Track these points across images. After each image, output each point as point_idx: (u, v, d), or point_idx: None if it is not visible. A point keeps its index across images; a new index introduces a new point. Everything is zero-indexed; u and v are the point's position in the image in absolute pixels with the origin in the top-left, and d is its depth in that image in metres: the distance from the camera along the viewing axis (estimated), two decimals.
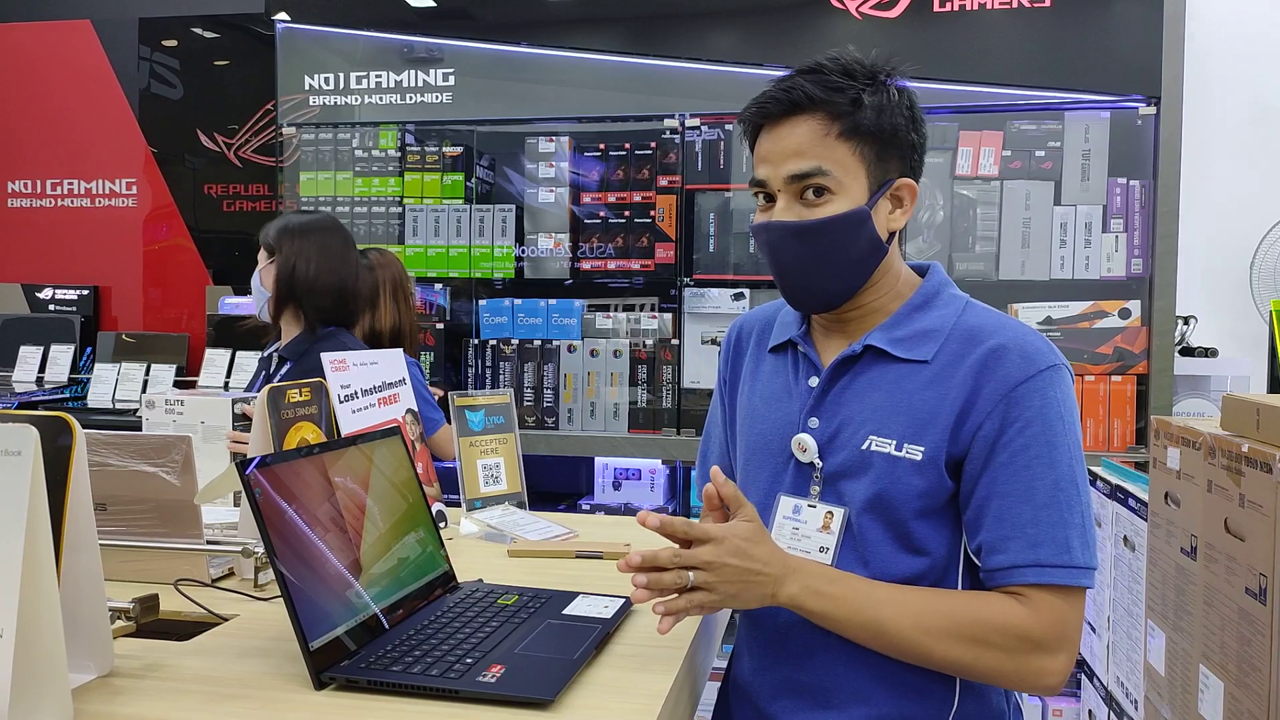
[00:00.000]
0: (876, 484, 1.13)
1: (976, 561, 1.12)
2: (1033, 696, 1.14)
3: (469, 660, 0.99)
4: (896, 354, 1.16)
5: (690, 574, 1.01)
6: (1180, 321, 2.76)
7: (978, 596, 1.10)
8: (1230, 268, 2.99)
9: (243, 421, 1.80)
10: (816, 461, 1.17)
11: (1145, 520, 1.87)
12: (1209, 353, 2.78)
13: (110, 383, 3.52)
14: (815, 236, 1.14)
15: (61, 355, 3.70)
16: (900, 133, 1.16)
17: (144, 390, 3.43)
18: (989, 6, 2.72)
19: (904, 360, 1.15)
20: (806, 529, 1.18)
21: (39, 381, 3.65)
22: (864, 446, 1.14)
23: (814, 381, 1.20)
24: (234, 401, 1.81)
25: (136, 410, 2.25)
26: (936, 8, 2.75)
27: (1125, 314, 2.66)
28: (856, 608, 1.07)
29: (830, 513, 1.16)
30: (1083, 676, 2.54)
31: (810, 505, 1.18)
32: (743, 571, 1.03)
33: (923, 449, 1.11)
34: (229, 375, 3.42)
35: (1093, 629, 2.44)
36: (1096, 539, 1.13)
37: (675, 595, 1.01)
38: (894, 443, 1.13)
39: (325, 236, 2.14)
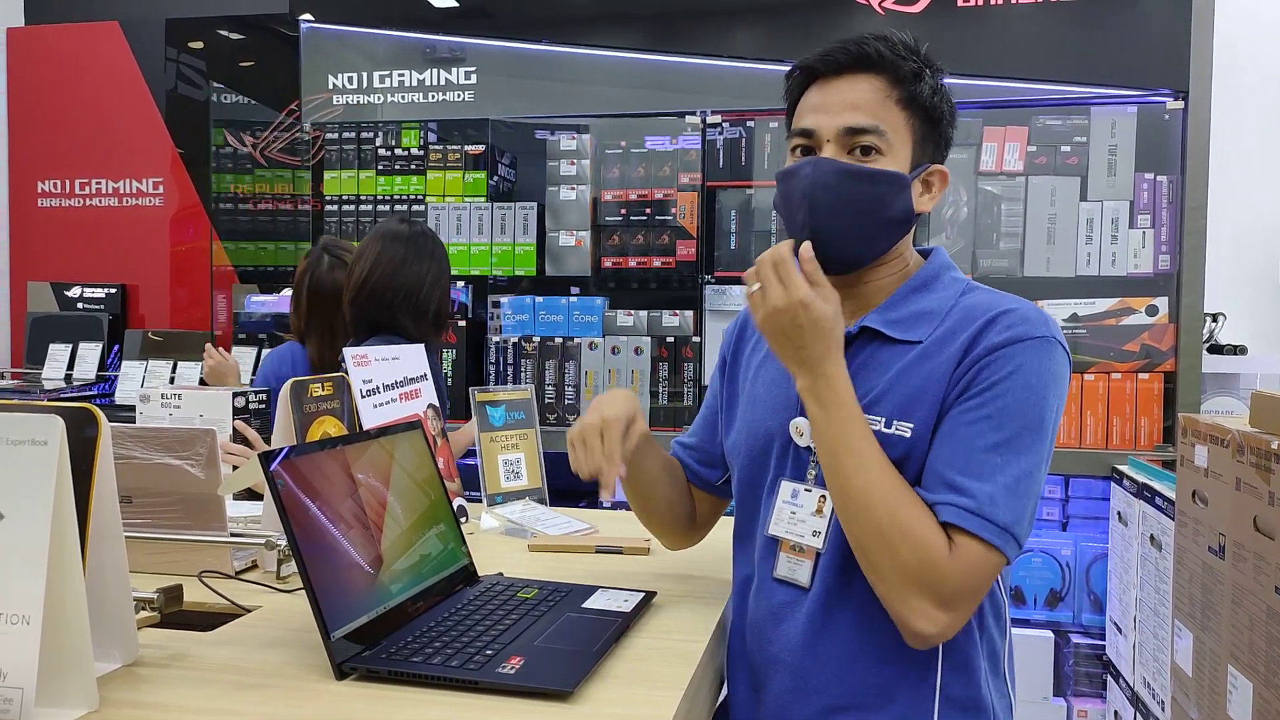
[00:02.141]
0: None
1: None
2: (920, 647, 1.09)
3: (489, 652, 1.00)
4: (891, 335, 1.16)
5: (757, 284, 1.08)
6: (1208, 318, 2.72)
7: (922, 512, 1.06)
8: (1259, 264, 2.95)
9: (238, 437, 1.81)
10: (813, 444, 1.16)
11: (1172, 519, 1.85)
12: (1238, 350, 2.74)
13: (137, 380, 3.56)
14: (860, 182, 1.13)
15: (90, 353, 3.75)
16: (944, 120, 1.18)
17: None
18: (1013, 1, 2.69)
19: (898, 341, 1.16)
20: (802, 513, 1.18)
21: (68, 379, 3.70)
22: None
23: None
24: (233, 395, 1.81)
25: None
26: (960, 3, 2.72)
27: (1152, 311, 2.63)
28: (836, 437, 1.07)
29: (823, 496, 1.16)
30: (1108, 677, 2.52)
31: (807, 490, 1.18)
32: (784, 330, 1.07)
33: (912, 425, 1.11)
34: (254, 372, 3.45)
35: (1118, 629, 2.41)
36: (1031, 516, 1.07)
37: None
38: (883, 420, 1.12)
39: (385, 244, 2.15)
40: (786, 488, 1.20)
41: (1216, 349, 2.74)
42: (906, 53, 1.16)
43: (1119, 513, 2.44)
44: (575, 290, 3.05)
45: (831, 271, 1.16)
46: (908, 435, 1.11)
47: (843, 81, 1.15)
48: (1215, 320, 2.78)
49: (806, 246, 1.10)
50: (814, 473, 1.18)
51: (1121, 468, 2.45)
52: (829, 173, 1.13)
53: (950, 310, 1.16)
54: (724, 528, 1.55)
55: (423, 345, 1.79)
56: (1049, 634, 2.63)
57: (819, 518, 1.16)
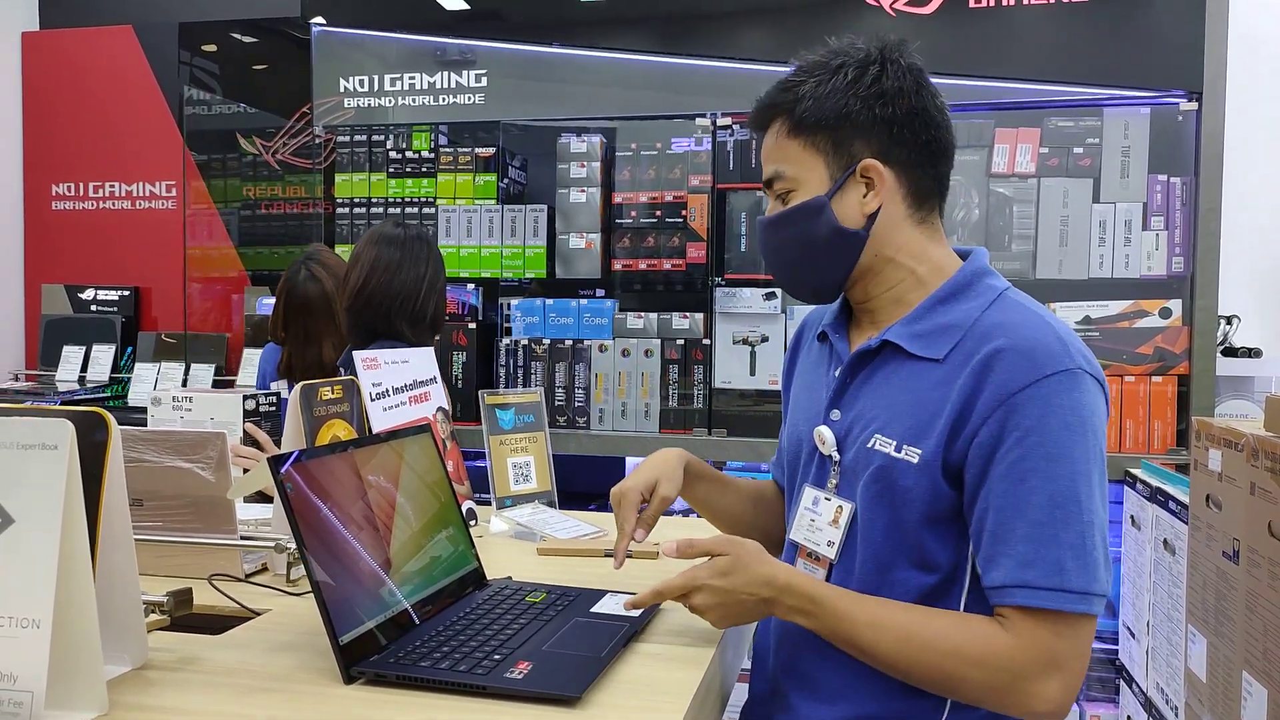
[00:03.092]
0: (878, 483, 1.11)
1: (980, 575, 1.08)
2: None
3: (497, 657, 1.00)
4: (912, 350, 1.13)
5: (687, 604, 1.08)
6: (1223, 321, 2.70)
7: (962, 622, 1.04)
8: (1274, 266, 2.93)
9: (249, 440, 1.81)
10: (834, 455, 1.17)
11: (1186, 523, 1.83)
12: (1252, 353, 2.72)
13: (150, 382, 3.57)
14: (776, 228, 1.20)
15: (103, 355, 3.77)
16: (853, 115, 1.13)
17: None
18: (1025, 2, 2.68)
19: (919, 358, 1.12)
20: (820, 521, 1.18)
21: (81, 381, 3.72)
22: (869, 445, 1.12)
23: (838, 373, 1.20)
24: (244, 398, 1.82)
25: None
26: (972, 4, 2.71)
27: (1166, 313, 2.61)
28: (836, 631, 1.06)
29: (840, 507, 1.15)
30: (1121, 682, 2.50)
31: (826, 498, 1.17)
32: (733, 602, 1.06)
33: (919, 452, 1.08)
34: (261, 382, 3.46)
35: (1132, 634, 2.39)
36: (1105, 562, 1.03)
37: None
38: (894, 443, 1.10)
39: (380, 249, 2.15)
40: (809, 494, 1.20)
41: (1230, 352, 2.72)
42: (793, 78, 1.19)
43: (1132, 516, 2.42)
44: (586, 292, 3.05)
45: (810, 300, 1.26)
46: (915, 461, 1.08)
47: (765, 136, 1.22)
48: (1229, 323, 2.76)
49: (673, 545, 1.12)
50: (834, 481, 1.17)
51: (1135, 471, 2.43)
52: (761, 230, 1.24)
53: (973, 326, 1.10)
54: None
55: (431, 349, 1.79)
56: None
57: (835, 528, 1.15)
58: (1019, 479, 1.02)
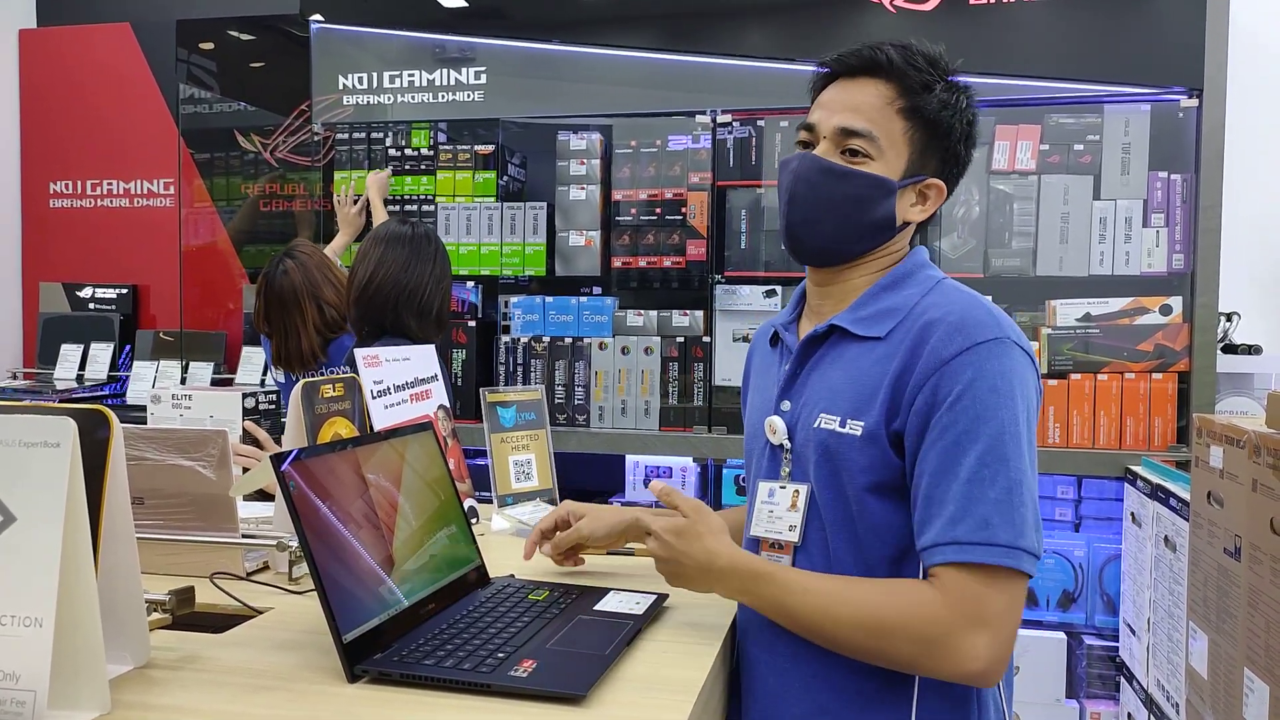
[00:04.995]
0: (826, 460, 1.13)
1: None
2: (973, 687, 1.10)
3: (501, 655, 0.99)
4: (856, 331, 1.16)
5: (648, 540, 1.13)
6: (1223, 318, 2.70)
7: (889, 586, 1.07)
8: (1275, 263, 2.93)
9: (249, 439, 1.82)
10: (786, 443, 1.19)
11: (1187, 520, 1.83)
12: (1252, 350, 2.72)
13: (149, 380, 3.57)
14: (838, 181, 1.16)
15: (101, 353, 3.76)
16: (951, 136, 1.18)
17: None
18: None
19: (862, 338, 1.16)
20: (779, 510, 1.19)
21: (79, 379, 3.71)
22: (815, 424, 1.15)
23: (787, 366, 1.23)
24: (243, 396, 1.82)
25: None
26: (972, 1, 2.71)
27: (1166, 310, 2.61)
28: (781, 607, 1.08)
29: (797, 490, 1.17)
30: (1122, 679, 2.50)
31: (781, 486, 1.19)
32: (676, 566, 1.12)
33: (862, 424, 1.11)
34: (265, 373, 3.46)
35: (1132, 631, 2.40)
36: (1035, 522, 1.04)
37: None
38: (838, 419, 1.13)
39: (388, 246, 2.16)
40: (763, 488, 1.22)
41: (1231, 348, 2.72)
42: (924, 63, 1.16)
43: (1133, 514, 2.42)
44: (586, 290, 3.04)
45: (807, 263, 1.23)
46: (858, 434, 1.11)
47: (853, 84, 1.17)
48: (1230, 319, 2.76)
49: (654, 484, 1.18)
50: (788, 469, 1.19)
51: (1135, 468, 2.43)
52: (811, 169, 1.17)
53: (912, 309, 1.15)
54: None
55: (433, 346, 1.79)
56: (1061, 635, 2.61)
57: (794, 512, 1.18)
58: (952, 443, 1.05)
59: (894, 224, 1.18)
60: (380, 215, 3.00)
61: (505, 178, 3.12)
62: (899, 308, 1.16)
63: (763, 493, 1.21)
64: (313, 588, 0.98)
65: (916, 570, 1.11)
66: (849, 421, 1.11)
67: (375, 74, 3.16)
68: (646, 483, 3.03)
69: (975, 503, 1.02)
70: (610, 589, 1.24)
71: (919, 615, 1.02)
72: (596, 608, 1.17)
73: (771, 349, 1.31)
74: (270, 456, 1.01)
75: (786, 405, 1.20)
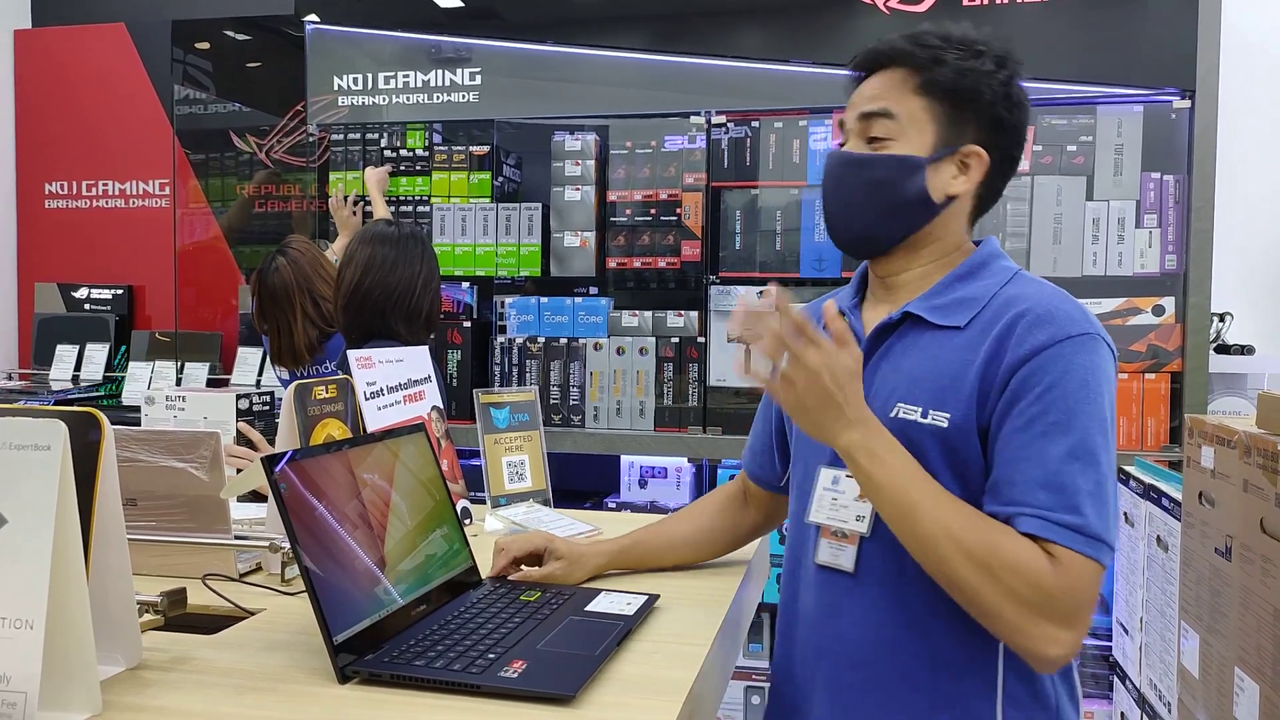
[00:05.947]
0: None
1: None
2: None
3: (491, 655, 1.00)
4: (932, 320, 1.15)
5: (784, 362, 1.03)
6: (1215, 318, 2.71)
7: (1010, 533, 1.03)
8: (1267, 263, 2.94)
9: (242, 439, 1.82)
10: (874, 498, 1.13)
11: (1179, 520, 1.84)
12: (1245, 350, 2.72)
13: (144, 381, 3.57)
14: (861, 168, 1.17)
15: (97, 354, 3.76)
16: (982, 101, 1.15)
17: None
18: (1018, 0, 2.68)
19: (939, 326, 1.14)
20: (844, 499, 1.17)
21: (75, 380, 3.71)
22: (891, 414, 1.12)
23: None
24: (237, 397, 1.82)
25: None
26: (965, 2, 2.72)
27: (1159, 311, 2.62)
28: (899, 484, 1.04)
29: None
30: (1115, 678, 2.51)
31: (848, 475, 1.14)
32: (827, 392, 1.04)
33: (948, 415, 1.09)
34: (260, 374, 3.46)
35: (1125, 630, 2.40)
36: (1116, 519, 1.05)
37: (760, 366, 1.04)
38: (919, 409, 1.11)
39: (375, 248, 2.15)
40: (826, 474, 1.19)
41: (1224, 349, 2.73)
42: (934, 40, 1.16)
43: (1125, 513, 2.43)
44: (581, 291, 3.04)
45: (855, 251, 1.23)
46: (944, 425, 1.09)
47: (872, 79, 1.20)
48: (1222, 320, 2.77)
49: (829, 305, 1.07)
50: None
51: (1128, 468, 2.44)
52: (836, 162, 1.20)
53: (991, 299, 1.14)
54: None
55: (426, 347, 1.79)
56: None
57: (863, 503, 1.15)
58: (1041, 432, 1.04)
59: (930, 200, 1.16)
60: (380, 211, 3.00)
61: (500, 178, 3.13)
62: (977, 297, 1.15)
63: (825, 479, 1.19)
64: (305, 589, 0.98)
65: None
66: (931, 412, 1.10)
67: (370, 75, 3.16)
68: (642, 484, 3.04)
69: (1067, 491, 1.02)
70: (601, 590, 1.25)
71: (1031, 576, 0.99)
72: (587, 608, 1.17)
73: (828, 333, 1.29)
74: (261, 458, 1.01)
75: None
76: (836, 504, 1.18)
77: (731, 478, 1.52)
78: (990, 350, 1.09)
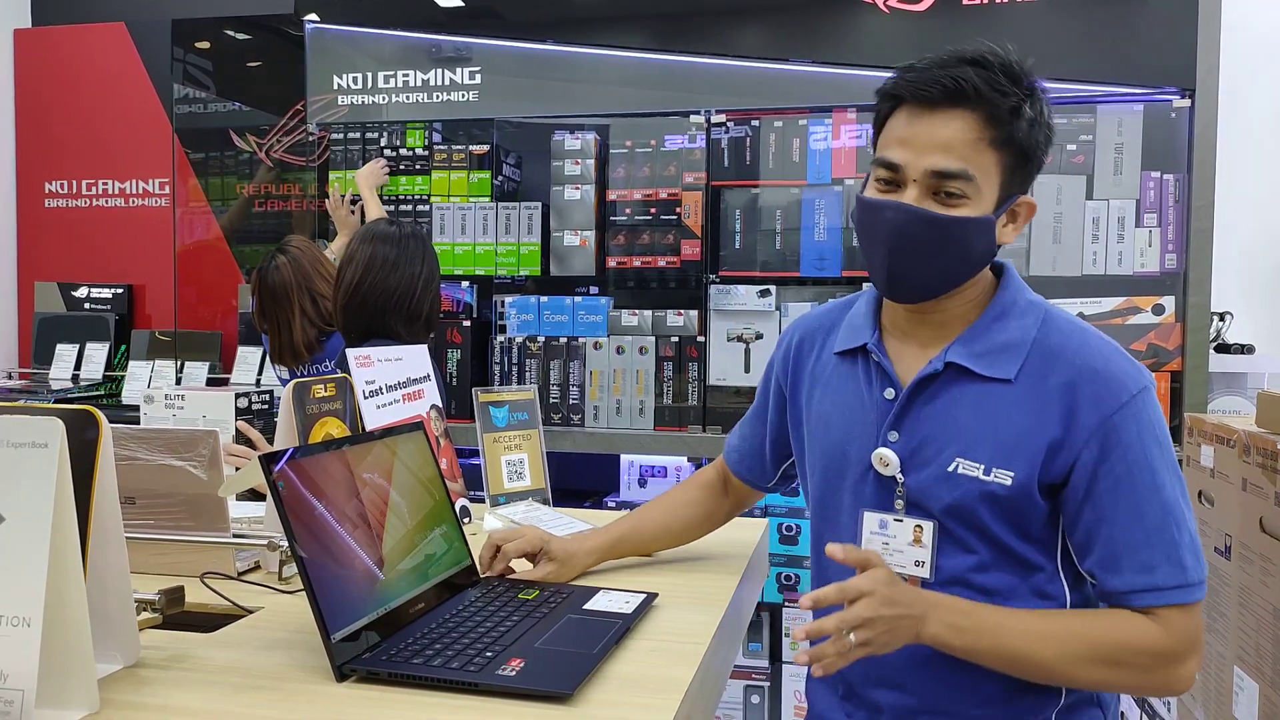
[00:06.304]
0: (965, 503, 1.14)
1: (1090, 581, 1.14)
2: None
3: (489, 654, 1.00)
4: (979, 371, 1.15)
5: (851, 636, 1.03)
6: (1215, 318, 2.71)
7: (1114, 618, 1.11)
8: (1267, 263, 2.94)
9: (241, 438, 1.82)
10: (899, 476, 1.17)
11: None
12: (1245, 349, 2.72)
13: (144, 380, 3.57)
14: (943, 231, 1.11)
15: (96, 353, 3.76)
16: (1038, 152, 1.14)
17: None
18: (1018, 0, 2.69)
19: (987, 379, 1.15)
20: (897, 543, 1.18)
21: (74, 379, 3.71)
22: (950, 468, 1.14)
23: (889, 394, 1.19)
24: (236, 396, 1.82)
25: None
26: (965, 1, 2.71)
27: (1159, 310, 2.61)
28: (996, 640, 1.09)
29: (919, 526, 1.17)
30: None
31: (897, 520, 1.18)
32: (894, 620, 1.05)
33: (1012, 474, 1.12)
34: (260, 373, 3.46)
35: None
36: (1202, 552, 1.15)
37: (833, 655, 1.03)
38: (982, 467, 1.13)
39: (376, 247, 2.13)
40: (871, 519, 1.20)
41: (1224, 348, 2.73)
42: (1008, 84, 1.09)
43: None
44: (581, 290, 3.04)
45: (911, 300, 1.18)
46: (1008, 484, 1.12)
47: (935, 116, 1.10)
48: (1222, 319, 2.77)
49: (832, 548, 1.08)
50: (900, 503, 1.18)
51: None
52: (913, 220, 1.11)
53: (1034, 344, 1.15)
54: (728, 528, 1.55)
55: (425, 346, 1.79)
56: None
57: (919, 547, 1.17)
58: (1130, 491, 1.10)
59: (994, 252, 1.17)
60: (372, 209, 2.99)
61: (500, 178, 3.13)
62: (1018, 343, 1.15)
63: (871, 523, 1.20)
64: (303, 587, 0.98)
65: (1061, 594, 1.17)
66: (994, 470, 1.12)
67: (370, 74, 3.16)
68: (641, 482, 3.04)
69: (1169, 548, 1.09)
70: (600, 588, 1.25)
71: (1149, 650, 1.09)
72: (586, 607, 1.17)
73: (844, 360, 1.26)
74: (259, 456, 1.01)
75: (894, 436, 1.18)
76: (889, 549, 1.19)
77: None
78: (1058, 413, 1.12)
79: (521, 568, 1.34)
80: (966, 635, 1.08)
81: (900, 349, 1.22)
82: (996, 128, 1.09)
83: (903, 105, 1.13)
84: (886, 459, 1.17)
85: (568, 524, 1.68)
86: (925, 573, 1.16)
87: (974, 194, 1.10)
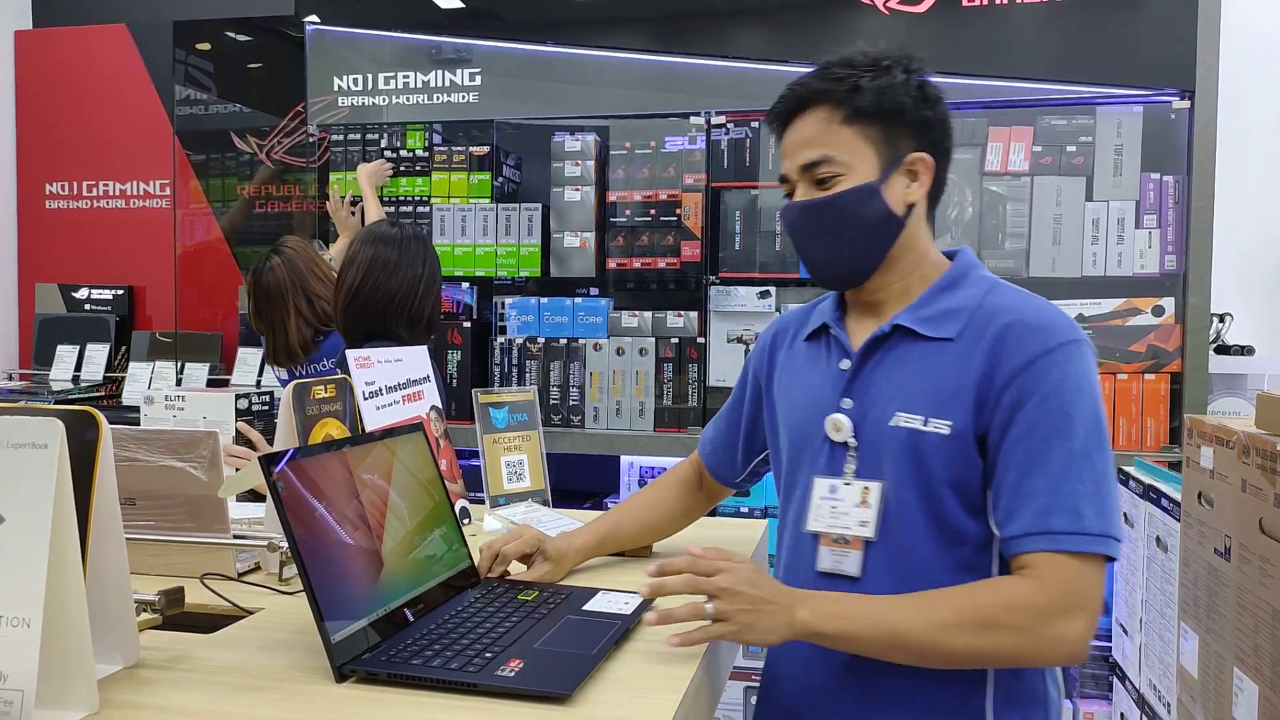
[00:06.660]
0: (907, 457, 1.15)
1: (997, 534, 1.13)
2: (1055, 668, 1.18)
3: (488, 655, 1.00)
4: (923, 332, 1.19)
5: (709, 605, 1.04)
6: (1215, 319, 2.71)
7: (982, 583, 1.11)
8: (1267, 263, 2.94)
9: (241, 439, 1.82)
10: (850, 440, 1.20)
11: (1178, 520, 1.84)
12: (1245, 350, 2.72)
13: (145, 381, 3.57)
14: (822, 212, 1.20)
15: (97, 354, 3.76)
16: (907, 110, 1.20)
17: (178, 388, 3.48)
18: (1018, 1, 2.68)
19: (930, 338, 1.18)
20: (844, 505, 1.20)
21: (75, 380, 3.71)
22: (891, 423, 1.17)
23: (845, 364, 1.24)
24: (236, 397, 1.82)
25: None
26: (965, 2, 2.72)
27: (1159, 311, 2.61)
28: (870, 620, 1.07)
29: (866, 488, 1.18)
30: (1114, 679, 2.51)
31: (846, 483, 1.20)
32: (756, 600, 1.06)
33: (950, 423, 1.13)
34: (260, 374, 3.46)
35: (1125, 631, 2.40)
36: (1118, 510, 1.11)
37: (692, 628, 1.04)
38: (921, 418, 1.15)
39: (377, 249, 2.13)
40: (822, 484, 1.22)
41: (1224, 349, 2.73)
42: (842, 70, 1.19)
43: (1125, 514, 2.43)
44: (581, 291, 3.05)
45: (842, 285, 1.27)
46: (946, 433, 1.13)
47: (794, 126, 1.23)
48: (1222, 320, 2.77)
49: (690, 551, 1.11)
50: (852, 466, 1.20)
51: (1128, 469, 2.44)
52: (798, 214, 1.23)
53: (977, 308, 1.18)
54: (727, 527, 1.55)
55: (425, 347, 1.79)
56: None
57: (865, 508, 1.18)
58: (1041, 439, 1.09)
59: (895, 214, 1.20)
60: (372, 209, 2.99)
61: (500, 179, 3.13)
62: (963, 307, 1.19)
63: (821, 489, 1.22)
64: (303, 588, 0.98)
65: (988, 567, 1.15)
66: (932, 420, 1.14)
67: (370, 75, 3.17)
68: (641, 483, 3.04)
69: (1068, 496, 1.07)
70: (599, 589, 1.25)
71: (1022, 605, 1.06)
72: (585, 608, 1.17)
73: (809, 344, 1.32)
74: (260, 457, 1.01)
75: (848, 403, 1.21)
76: (836, 511, 1.20)
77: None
78: (985, 360, 1.13)
79: (514, 569, 1.35)
80: (837, 619, 1.07)
81: (857, 326, 1.27)
82: (842, 107, 1.19)
83: (777, 131, 1.26)
84: (839, 424, 1.21)
85: (567, 525, 1.68)
86: (869, 532, 1.17)
87: (846, 170, 1.19)
